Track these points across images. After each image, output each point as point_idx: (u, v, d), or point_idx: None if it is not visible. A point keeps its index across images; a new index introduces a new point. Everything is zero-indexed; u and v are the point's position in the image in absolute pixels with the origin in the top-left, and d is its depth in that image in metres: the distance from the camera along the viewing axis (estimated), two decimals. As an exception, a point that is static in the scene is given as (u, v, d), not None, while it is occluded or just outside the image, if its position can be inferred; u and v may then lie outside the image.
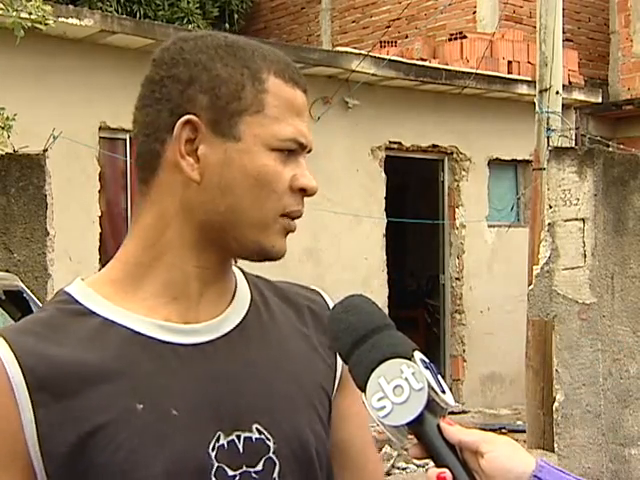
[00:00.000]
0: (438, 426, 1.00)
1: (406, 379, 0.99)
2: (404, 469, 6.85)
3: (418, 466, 6.85)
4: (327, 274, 8.35)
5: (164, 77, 1.13)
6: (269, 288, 1.25)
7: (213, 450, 1.08)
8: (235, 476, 1.09)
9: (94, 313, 1.11)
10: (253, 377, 1.14)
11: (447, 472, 0.97)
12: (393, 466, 6.82)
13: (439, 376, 1.02)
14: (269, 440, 1.11)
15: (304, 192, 1.15)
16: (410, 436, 1.01)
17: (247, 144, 1.11)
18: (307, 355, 1.21)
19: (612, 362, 5.08)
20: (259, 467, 1.10)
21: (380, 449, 6.88)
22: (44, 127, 6.69)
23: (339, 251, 8.57)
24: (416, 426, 1.00)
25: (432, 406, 1.00)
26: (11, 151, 5.65)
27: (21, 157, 5.72)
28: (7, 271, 5.05)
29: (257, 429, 1.11)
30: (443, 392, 1.01)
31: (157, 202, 1.14)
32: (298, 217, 1.16)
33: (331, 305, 1.27)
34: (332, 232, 8.47)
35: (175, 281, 1.13)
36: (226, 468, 1.08)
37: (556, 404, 5.17)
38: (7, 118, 5.37)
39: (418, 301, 11.09)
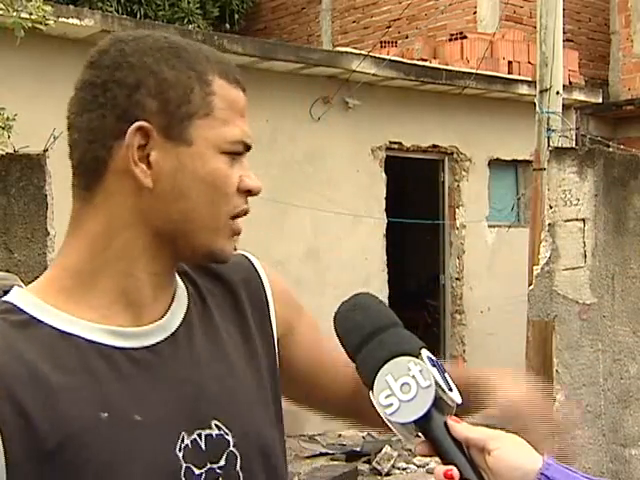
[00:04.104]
0: (445, 423, 1.00)
1: (413, 377, 0.99)
2: (404, 469, 6.84)
3: (418, 466, 6.85)
4: (327, 274, 8.35)
5: (107, 81, 1.09)
6: (197, 272, 1.23)
7: (180, 451, 1.08)
8: (201, 474, 1.09)
9: (42, 322, 1.06)
10: (204, 374, 1.14)
11: (454, 469, 0.97)
12: (393, 466, 6.82)
13: (446, 374, 1.02)
14: (227, 435, 1.12)
15: (249, 193, 1.15)
16: (417, 434, 1.01)
17: (199, 148, 1.09)
18: (246, 340, 1.22)
19: (612, 362, 5.07)
20: (222, 462, 1.11)
21: (380, 449, 6.88)
22: (44, 127, 6.69)
23: (339, 251, 8.56)
24: (423, 423, 1.00)
25: (439, 404, 1.00)
26: (11, 151, 5.65)
27: (21, 157, 5.72)
28: (7, 271, 5.04)
29: (216, 425, 1.12)
30: (450, 390, 1.01)
31: (104, 209, 1.10)
32: (244, 215, 1.16)
33: (258, 266, 1.29)
34: (332, 232, 8.46)
35: (128, 288, 1.10)
36: (193, 467, 1.08)
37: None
38: (7, 118, 5.37)
39: (418, 301, 11.07)
